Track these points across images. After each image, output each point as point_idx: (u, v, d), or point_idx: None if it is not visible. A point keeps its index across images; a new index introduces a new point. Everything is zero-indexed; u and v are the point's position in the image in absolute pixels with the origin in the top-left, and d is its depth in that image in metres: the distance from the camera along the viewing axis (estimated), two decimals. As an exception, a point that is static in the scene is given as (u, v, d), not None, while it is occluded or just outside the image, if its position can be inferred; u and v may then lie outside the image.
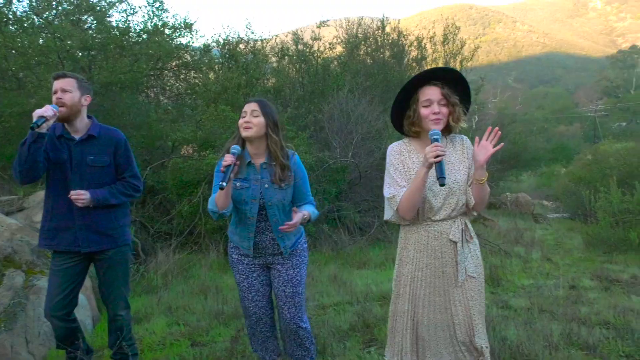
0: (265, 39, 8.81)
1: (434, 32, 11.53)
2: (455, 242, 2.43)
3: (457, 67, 11.45)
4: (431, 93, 2.40)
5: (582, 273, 6.57)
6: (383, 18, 11.16)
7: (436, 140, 2.25)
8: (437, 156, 2.22)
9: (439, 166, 2.24)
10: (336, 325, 4.33)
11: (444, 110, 2.39)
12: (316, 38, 9.24)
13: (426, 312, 2.48)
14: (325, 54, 9.71)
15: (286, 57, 9.11)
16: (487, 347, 2.52)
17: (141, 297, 5.35)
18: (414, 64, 11.30)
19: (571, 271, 6.77)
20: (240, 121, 2.77)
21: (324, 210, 7.12)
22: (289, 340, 2.96)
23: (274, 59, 9.08)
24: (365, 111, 8.70)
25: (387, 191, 2.49)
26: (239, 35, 8.84)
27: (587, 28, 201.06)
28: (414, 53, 11.38)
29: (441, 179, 2.24)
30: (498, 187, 16.65)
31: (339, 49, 10.15)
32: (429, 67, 2.65)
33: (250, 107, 2.76)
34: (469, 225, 2.51)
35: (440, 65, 11.58)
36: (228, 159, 2.53)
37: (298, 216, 2.63)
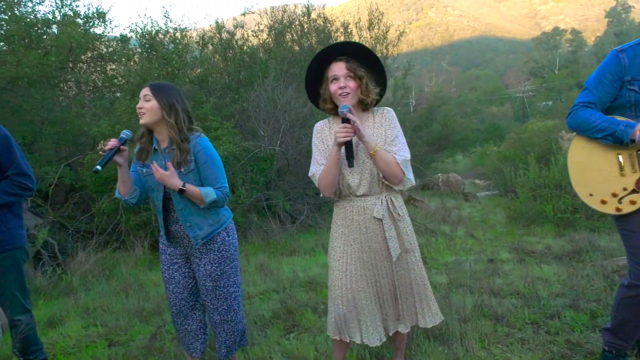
0: (186, 28, 8.55)
1: (359, 18, 11.64)
2: (380, 219, 2.47)
3: (384, 52, 11.60)
4: (337, 68, 2.43)
5: (502, 247, 6.89)
6: (308, 4, 11.11)
7: (345, 120, 2.26)
8: (345, 137, 2.25)
9: (347, 147, 2.28)
10: (259, 314, 4.33)
11: (351, 84, 2.42)
12: (238, 25, 9.07)
13: (358, 286, 2.53)
14: (250, 41, 9.57)
15: (210, 46, 8.89)
16: (407, 322, 2.63)
17: (58, 300, 5.12)
18: (341, 50, 11.31)
19: (492, 245, 7.08)
20: (137, 107, 2.69)
21: (253, 200, 7.06)
22: (215, 333, 2.90)
23: (196, 48, 8.84)
24: (292, 99, 8.67)
25: (310, 170, 2.55)
26: (157, 24, 8.53)
27: (513, 11, 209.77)
28: (340, 39, 11.42)
29: (349, 160, 2.29)
30: (430, 169, 17.14)
31: (264, 36, 10.02)
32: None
33: (143, 92, 2.66)
34: (396, 203, 2.53)
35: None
36: (110, 143, 2.45)
37: (167, 172, 2.52)
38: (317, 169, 2.50)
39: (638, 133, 2.45)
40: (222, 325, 2.82)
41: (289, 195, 7.83)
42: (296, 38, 10.75)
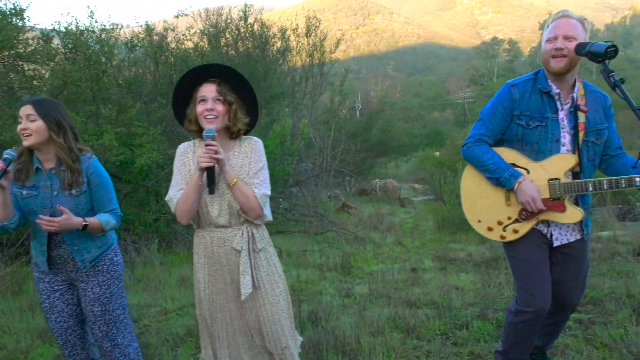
0: (113, 29, 8.21)
1: (297, 24, 11.63)
2: (239, 251, 2.39)
3: (321, 59, 11.64)
4: (207, 90, 2.33)
5: (427, 255, 7.04)
6: (245, 8, 10.99)
7: (210, 145, 2.20)
8: (209, 162, 2.18)
9: (209, 173, 2.22)
10: (172, 332, 4.19)
11: (219, 107, 2.33)
12: (168, 28, 8.82)
13: (224, 317, 2.47)
14: (185, 44, 9.35)
15: (139, 49, 8.60)
16: (285, 348, 2.56)
17: (-45, 322, 4.76)
18: (278, 56, 11.31)
19: (418, 253, 7.24)
20: (18, 128, 2.51)
21: (177, 209, 6.87)
22: None
23: (125, 51, 8.51)
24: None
25: (168, 194, 2.43)
26: (83, 24, 8.17)
27: (455, 21, 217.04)
28: (278, 44, 11.37)
29: (210, 187, 2.23)
30: (370, 174, 17.38)
31: (196, 39, 9.81)
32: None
33: (25, 110, 2.49)
34: (257, 235, 2.46)
35: (304, 57, 11.73)
36: None
37: (63, 217, 2.38)
38: (176, 193, 2.39)
39: (517, 185, 2.58)
40: (112, 350, 2.69)
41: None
42: (231, 42, 10.61)
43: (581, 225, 2.73)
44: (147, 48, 8.55)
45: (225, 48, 10.33)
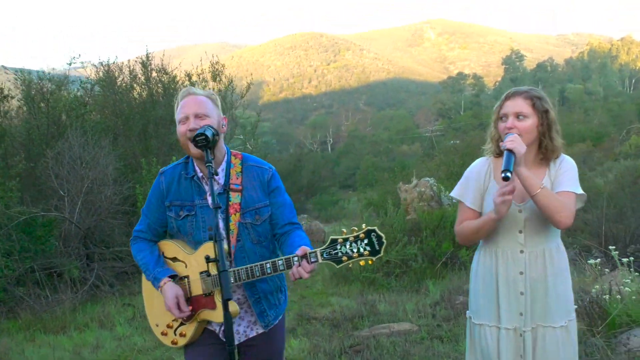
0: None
1: (202, 69, 11.47)
2: None
3: (224, 106, 11.45)
4: None
5: (293, 312, 6.67)
6: (147, 52, 10.81)
7: None
8: None
9: None
10: None
11: None
12: (43, 78, 8.51)
13: None
14: (68, 93, 9.08)
15: (11, 100, 8.28)
16: None
17: None
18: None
19: (290, 309, 6.85)
20: None
21: (19, 272, 6.44)
22: None
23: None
24: (104, 153, 8.22)
25: None
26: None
27: (424, 56, 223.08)
28: (183, 86, 11.16)
29: None
30: (305, 212, 17.12)
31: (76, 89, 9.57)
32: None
33: None
34: None
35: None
36: None
37: None
38: None
39: (160, 290, 2.29)
40: None
41: (82, 261, 7.27)
42: (124, 89, 10.36)
43: (263, 316, 2.42)
44: (20, 100, 8.26)
45: (119, 95, 10.07)
